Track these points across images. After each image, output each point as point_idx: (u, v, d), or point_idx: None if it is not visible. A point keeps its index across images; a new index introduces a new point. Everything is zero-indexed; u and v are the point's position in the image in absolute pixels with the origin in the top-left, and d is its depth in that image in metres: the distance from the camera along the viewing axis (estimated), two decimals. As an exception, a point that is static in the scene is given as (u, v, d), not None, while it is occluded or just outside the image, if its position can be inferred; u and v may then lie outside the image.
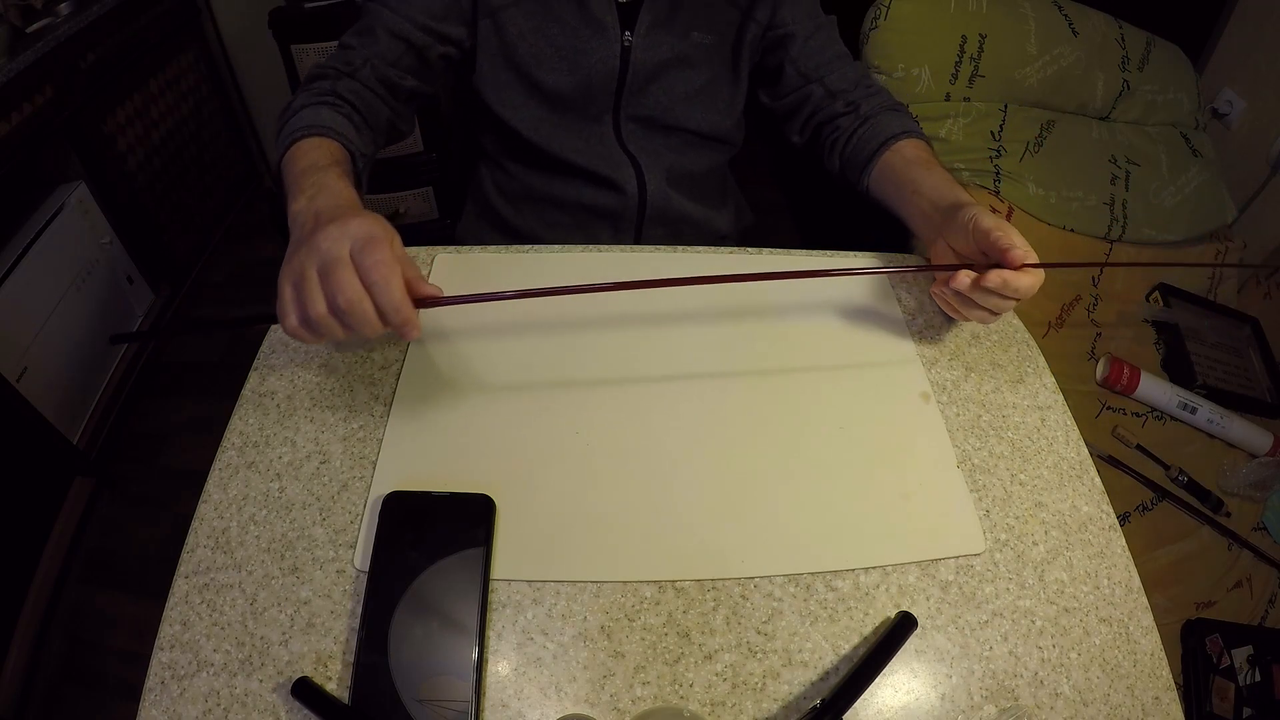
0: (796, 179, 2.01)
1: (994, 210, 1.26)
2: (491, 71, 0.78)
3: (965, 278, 0.53)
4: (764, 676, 0.45)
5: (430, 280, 0.66)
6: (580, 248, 0.71)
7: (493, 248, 0.71)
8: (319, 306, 0.45)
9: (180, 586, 0.47)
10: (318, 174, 0.55)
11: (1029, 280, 0.53)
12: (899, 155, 0.74)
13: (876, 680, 0.43)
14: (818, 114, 0.82)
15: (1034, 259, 0.53)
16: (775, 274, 0.56)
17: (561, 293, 0.51)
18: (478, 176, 0.92)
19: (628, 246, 0.74)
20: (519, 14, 0.74)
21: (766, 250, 0.72)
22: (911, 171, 0.72)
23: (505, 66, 0.77)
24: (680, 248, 0.72)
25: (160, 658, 0.44)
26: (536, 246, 0.71)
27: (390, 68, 0.72)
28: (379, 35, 0.71)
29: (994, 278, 0.52)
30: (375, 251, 0.44)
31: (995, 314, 0.57)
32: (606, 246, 0.72)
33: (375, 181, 1.73)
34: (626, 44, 0.76)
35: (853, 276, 0.70)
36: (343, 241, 0.45)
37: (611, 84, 0.78)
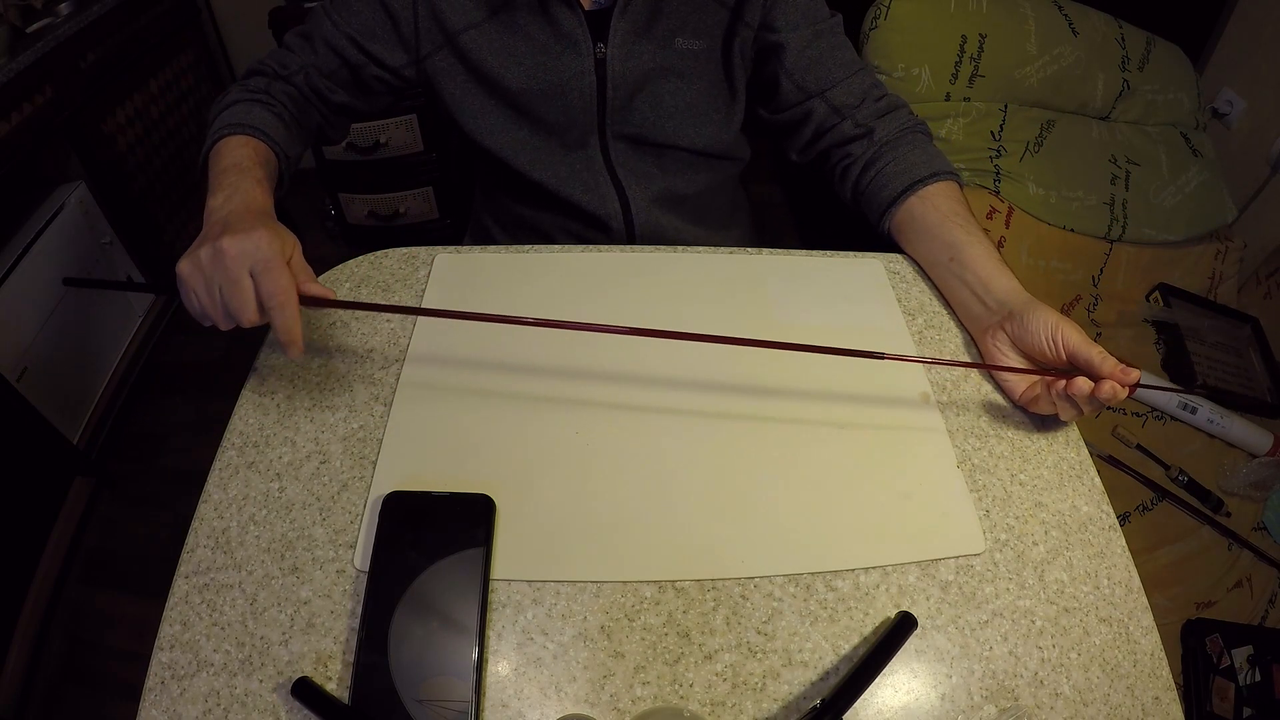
0: (796, 175, 2.01)
1: (994, 211, 1.27)
2: (464, 97, 0.74)
3: (1086, 385, 0.53)
4: (764, 676, 0.45)
5: (430, 280, 0.66)
6: (580, 248, 0.71)
7: (493, 248, 0.71)
8: (217, 314, 0.51)
9: (180, 586, 0.47)
10: (237, 175, 0.58)
11: (1126, 391, 0.54)
12: (931, 207, 0.69)
13: (876, 680, 0.42)
14: (825, 136, 0.76)
15: (1135, 375, 0.54)
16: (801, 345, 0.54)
17: (490, 319, 0.53)
18: (475, 204, 0.90)
19: (627, 247, 0.73)
20: (482, 36, 0.70)
21: (766, 250, 0.72)
22: (950, 232, 0.67)
23: (479, 91, 0.73)
24: (680, 248, 0.72)
25: (160, 658, 0.44)
26: (536, 246, 0.71)
27: (323, 79, 0.71)
28: (317, 45, 0.71)
29: (1107, 389, 0.53)
30: (273, 277, 0.49)
31: (1083, 414, 0.57)
32: (606, 247, 0.72)
33: (376, 181, 1.73)
34: (600, 56, 0.70)
35: (862, 284, 0.70)
36: (243, 261, 0.49)
37: (591, 102, 0.73)
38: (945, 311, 0.67)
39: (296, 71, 0.70)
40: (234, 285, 0.49)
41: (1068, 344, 0.56)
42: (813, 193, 1.89)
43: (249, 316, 0.50)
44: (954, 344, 0.65)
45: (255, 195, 0.57)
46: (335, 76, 0.72)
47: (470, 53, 0.71)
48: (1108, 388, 0.53)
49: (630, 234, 0.79)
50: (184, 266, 0.51)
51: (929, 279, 0.70)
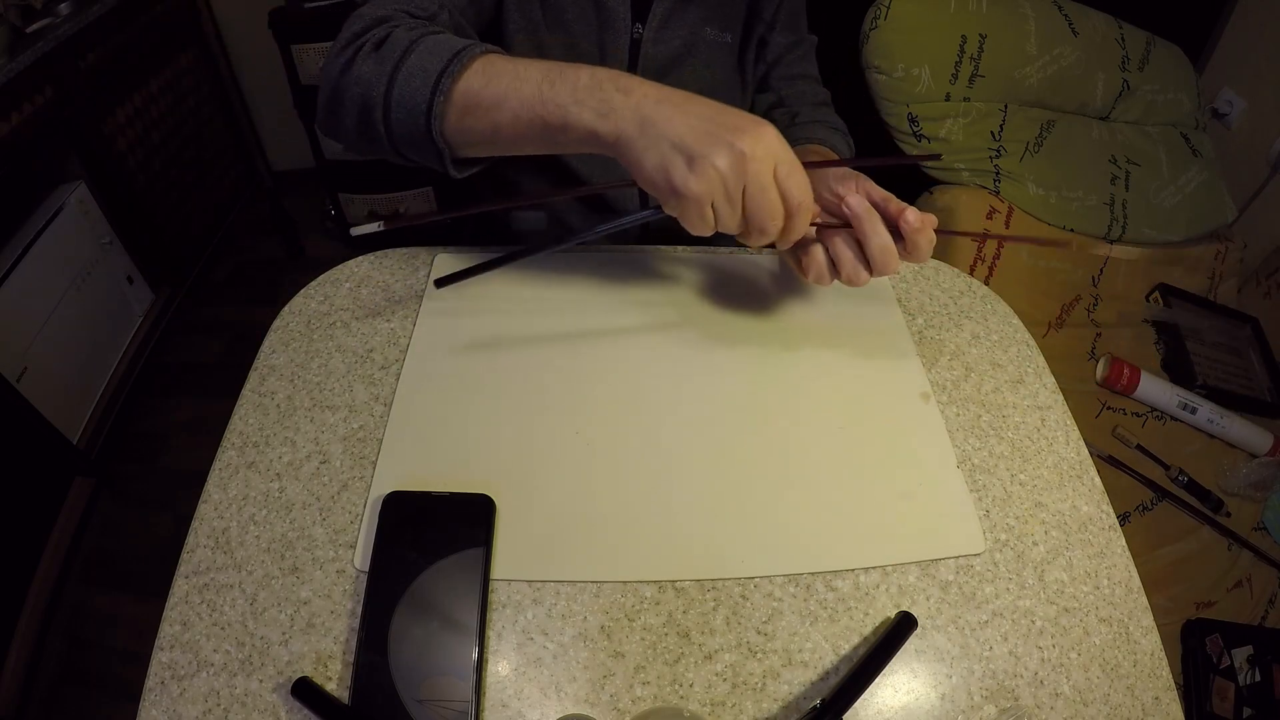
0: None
1: (994, 211, 1.27)
2: (514, 45, 0.72)
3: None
4: (764, 676, 0.45)
5: (430, 281, 0.66)
6: (578, 246, 0.71)
7: (494, 248, 0.71)
8: (741, 226, 0.48)
9: (180, 586, 0.47)
10: (589, 67, 0.51)
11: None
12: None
13: (876, 680, 0.43)
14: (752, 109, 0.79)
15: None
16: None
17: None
18: (482, 200, 0.90)
19: (628, 246, 0.73)
20: None
21: (767, 250, 0.72)
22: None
23: (528, 44, 0.72)
24: (680, 247, 0.72)
25: (160, 658, 0.44)
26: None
27: (461, 17, 0.64)
28: None
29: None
30: (800, 176, 0.47)
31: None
32: (608, 247, 0.72)
33: (376, 181, 1.73)
34: (636, 36, 0.71)
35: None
36: (770, 162, 0.46)
37: None
38: (945, 311, 0.67)
39: (439, 10, 0.62)
40: (764, 191, 0.46)
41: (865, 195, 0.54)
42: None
43: (778, 224, 0.47)
44: (954, 344, 0.65)
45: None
46: (467, 12, 0.65)
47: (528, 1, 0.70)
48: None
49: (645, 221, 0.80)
50: (696, 185, 0.46)
51: (929, 280, 0.70)
